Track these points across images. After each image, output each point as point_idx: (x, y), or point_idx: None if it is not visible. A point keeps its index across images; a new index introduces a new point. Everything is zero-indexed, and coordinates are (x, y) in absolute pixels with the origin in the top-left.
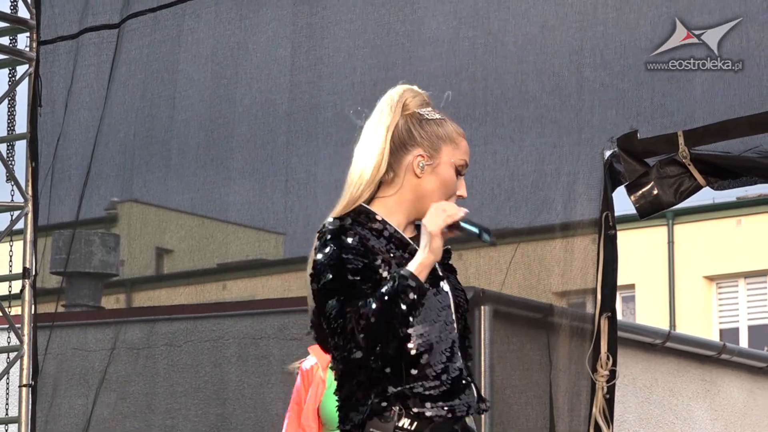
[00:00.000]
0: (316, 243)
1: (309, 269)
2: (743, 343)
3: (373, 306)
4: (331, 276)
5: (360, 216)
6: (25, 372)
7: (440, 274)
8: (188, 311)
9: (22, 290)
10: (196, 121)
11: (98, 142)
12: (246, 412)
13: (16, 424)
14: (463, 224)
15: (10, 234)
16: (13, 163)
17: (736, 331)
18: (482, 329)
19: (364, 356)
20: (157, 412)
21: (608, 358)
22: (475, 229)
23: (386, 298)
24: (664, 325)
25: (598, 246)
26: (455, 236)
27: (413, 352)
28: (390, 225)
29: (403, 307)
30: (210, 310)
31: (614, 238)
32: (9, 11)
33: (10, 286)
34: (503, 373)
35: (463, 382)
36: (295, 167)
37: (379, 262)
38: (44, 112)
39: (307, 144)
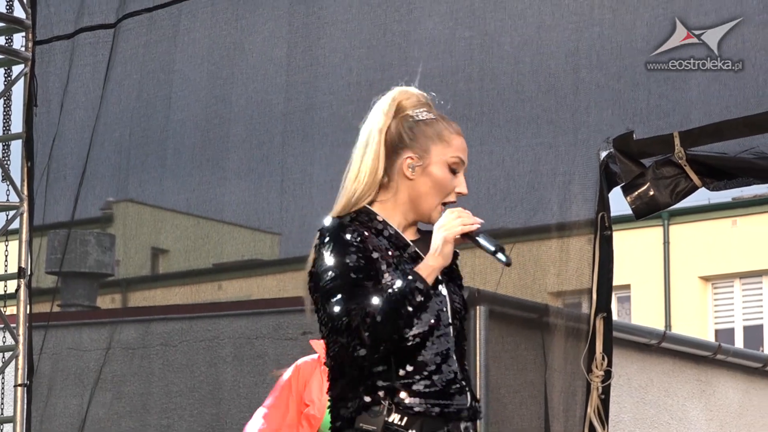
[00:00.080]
0: (316, 241)
1: (309, 267)
2: (739, 343)
3: (381, 305)
4: (333, 274)
5: (361, 215)
6: (20, 372)
7: (439, 277)
8: (183, 311)
9: (17, 290)
10: (191, 121)
11: (94, 141)
12: (241, 411)
13: (11, 424)
14: (479, 239)
15: (6, 234)
16: (8, 162)
17: (731, 331)
18: (477, 329)
19: (367, 354)
20: (153, 412)
21: (603, 359)
22: (491, 246)
23: (394, 298)
24: (659, 326)
25: (594, 246)
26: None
27: (406, 350)
28: (391, 226)
29: (410, 308)
30: (205, 310)
31: (610, 238)
32: (4, 11)
33: (5, 286)
34: (498, 373)
35: (457, 385)
36: (290, 167)
37: (379, 259)
38: (40, 112)
39: (303, 144)
